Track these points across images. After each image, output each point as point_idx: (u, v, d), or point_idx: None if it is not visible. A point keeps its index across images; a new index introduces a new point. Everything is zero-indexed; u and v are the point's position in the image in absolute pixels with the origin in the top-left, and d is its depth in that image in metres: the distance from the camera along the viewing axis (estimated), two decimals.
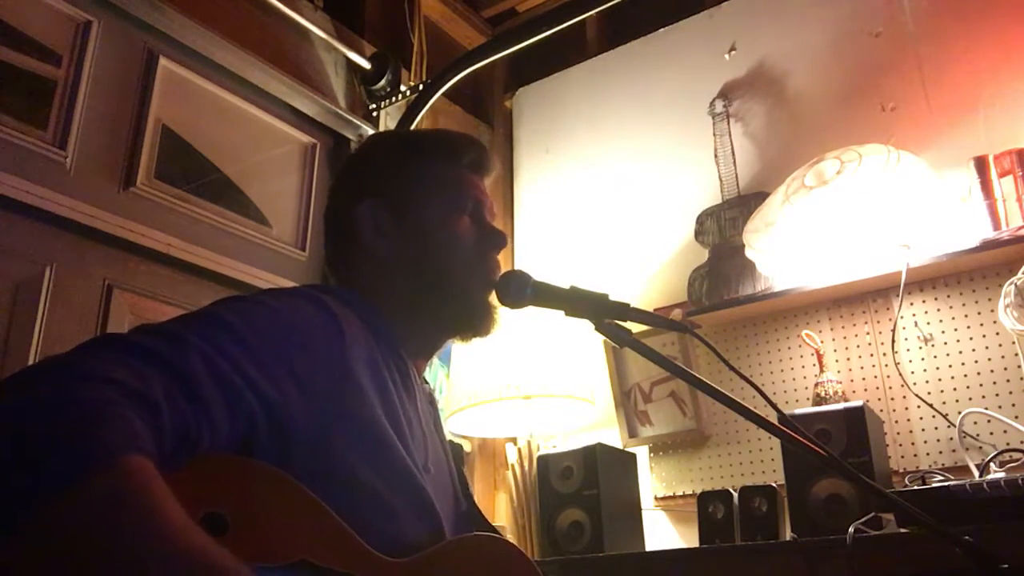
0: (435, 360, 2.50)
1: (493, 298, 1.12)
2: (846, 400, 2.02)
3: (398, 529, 0.91)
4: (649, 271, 2.58)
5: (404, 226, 1.10)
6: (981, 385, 1.97)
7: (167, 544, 0.62)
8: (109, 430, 0.64)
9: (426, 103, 2.50)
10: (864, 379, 2.13)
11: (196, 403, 0.74)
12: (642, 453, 2.39)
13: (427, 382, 1.18)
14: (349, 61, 2.58)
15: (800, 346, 2.22)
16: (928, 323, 2.07)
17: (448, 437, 1.23)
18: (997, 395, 1.95)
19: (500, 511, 2.59)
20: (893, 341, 2.08)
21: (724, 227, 2.40)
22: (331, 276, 1.19)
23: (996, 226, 1.95)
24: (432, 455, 1.05)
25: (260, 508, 0.78)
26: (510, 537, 2.38)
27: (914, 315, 2.10)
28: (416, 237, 1.09)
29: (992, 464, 1.79)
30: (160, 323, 0.81)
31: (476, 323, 1.11)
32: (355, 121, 2.53)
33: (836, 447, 1.74)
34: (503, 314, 1.14)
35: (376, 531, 0.86)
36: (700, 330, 2.33)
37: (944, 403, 2.00)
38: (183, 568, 0.62)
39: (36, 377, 0.67)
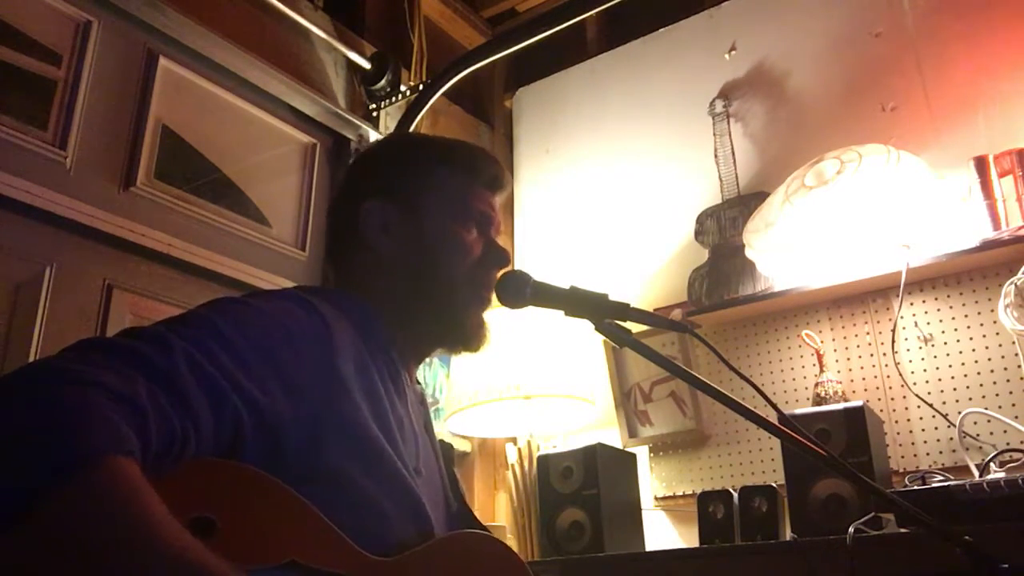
0: (435, 360, 2.51)
1: (487, 315, 1.12)
2: (846, 400, 2.02)
3: (388, 530, 0.91)
4: (649, 271, 2.58)
5: (410, 228, 1.09)
6: (981, 385, 1.97)
7: (152, 545, 0.62)
8: (94, 432, 0.64)
9: (426, 103, 2.50)
10: (864, 379, 2.13)
11: (182, 406, 0.74)
12: (642, 453, 2.39)
13: (419, 383, 1.18)
14: (349, 61, 2.58)
15: (800, 346, 2.22)
16: (928, 323, 2.07)
17: (439, 437, 1.23)
18: (997, 395, 1.95)
19: (500, 511, 2.59)
20: (893, 341, 2.08)
21: (724, 227, 2.40)
22: (330, 273, 1.19)
23: (996, 226, 1.95)
24: (423, 456, 1.04)
25: (248, 511, 0.78)
26: (510, 537, 2.38)
27: (914, 315, 2.10)
28: (420, 241, 1.09)
29: (992, 464, 1.79)
30: (146, 326, 0.81)
31: (466, 337, 1.11)
32: (355, 121, 2.53)
33: (836, 447, 1.74)
34: (505, 315, 1.14)
35: (366, 532, 0.86)
36: (700, 330, 2.33)
37: (944, 403, 2.00)
38: (168, 568, 0.62)
39: (22, 381, 0.67)
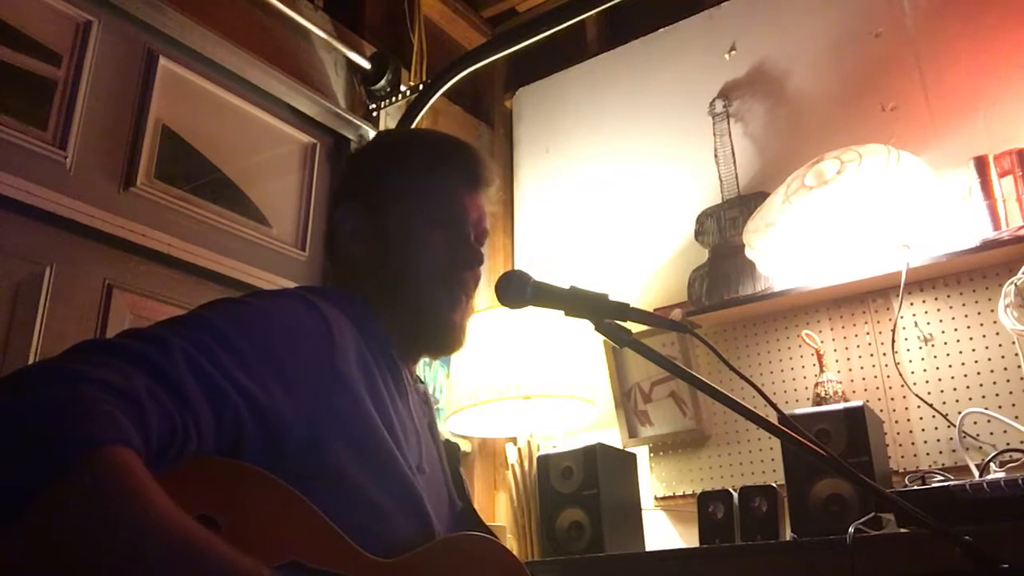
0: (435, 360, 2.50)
1: (462, 316, 1.10)
2: (846, 400, 2.02)
3: (388, 529, 0.91)
4: (649, 271, 2.58)
5: (377, 232, 1.10)
6: (981, 385, 1.97)
7: (157, 531, 0.63)
8: (95, 424, 0.64)
9: (426, 103, 2.50)
10: (864, 379, 2.13)
11: (181, 403, 0.74)
12: (642, 453, 2.39)
13: (422, 382, 1.18)
14: (349, 61, 2.58)
15: (800, 346, 2.22)
16: (928, 323, 2.07)
17: (444, 437, 1.23)
18: (997, 395, 1.95)
19: (500, 511, 2.59)
20: (893, 341, 2.08)
21: (724, 227, 2.40)
22: (330, 273, 1.20)
23: (996, 226, 1.95)
24: (426, 455, 1.05)
25: (250, 510, 0.78)
26: (510, 537, 2.38)
27: (914, 315, 2.10)
28: (384, 245, 1.09)
29: (992, 464, 1.79)
30: (146, 327, 0.82)
31: (438, 340, 1.10)
32: (355, 121, 2.53)
33: (836, 447, 1.74)
34: (505, 315, 1.14)
35: (366, 531, 0.86)
36: (700, 330, 2.33)
37: (944, 403, 2.00)
38: (175, 553, 0.62)
39: (22, 380, 0.68)
